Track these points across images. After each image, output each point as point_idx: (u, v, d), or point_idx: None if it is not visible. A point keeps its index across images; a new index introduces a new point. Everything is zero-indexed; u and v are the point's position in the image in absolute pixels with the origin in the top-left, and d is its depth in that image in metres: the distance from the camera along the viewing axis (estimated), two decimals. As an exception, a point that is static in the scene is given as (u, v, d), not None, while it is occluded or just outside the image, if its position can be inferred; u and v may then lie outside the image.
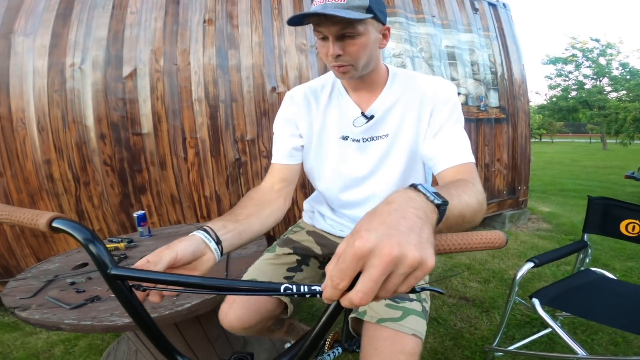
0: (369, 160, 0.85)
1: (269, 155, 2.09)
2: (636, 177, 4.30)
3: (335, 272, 0.30)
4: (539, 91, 49.42)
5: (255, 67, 1.97)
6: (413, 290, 0.33)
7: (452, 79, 2.69)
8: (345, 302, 0.31)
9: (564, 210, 3.87)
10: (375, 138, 0.83)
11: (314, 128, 0.87)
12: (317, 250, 0.99)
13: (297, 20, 0.67)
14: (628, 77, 20.94)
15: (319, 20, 0.66)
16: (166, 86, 1.82)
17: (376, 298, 0.30)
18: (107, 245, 1.28)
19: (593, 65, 21.59)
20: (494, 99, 2.94)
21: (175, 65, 1.83)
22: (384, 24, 0.72)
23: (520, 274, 1.24)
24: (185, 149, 1.91)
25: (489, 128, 2.92)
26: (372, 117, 0.81)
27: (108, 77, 1.73)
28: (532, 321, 1.62)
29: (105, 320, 0.83)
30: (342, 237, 0.98)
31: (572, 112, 23.66)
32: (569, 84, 23.56)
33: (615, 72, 21.66)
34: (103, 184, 1.80)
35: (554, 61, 23.35)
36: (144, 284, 0.43)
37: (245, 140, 2.02)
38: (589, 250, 1.41)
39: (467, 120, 2.72)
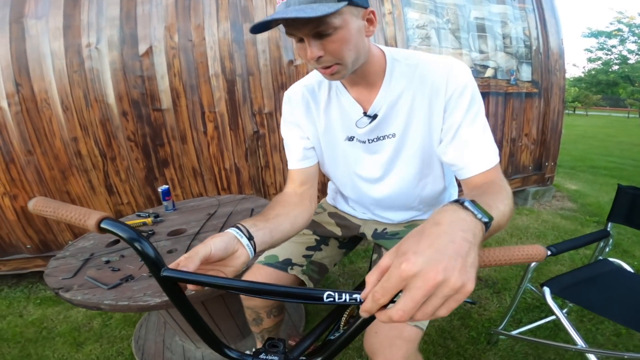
0: (380, 162, 0.81)
1: None
2: None
3: (379, 288, 0.32)
4: (576, 63, 46.02)
5: (272, 40, 1.90)
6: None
7: (481, 52, 2.51)
8: (383, 317, 0.32)
9: (592, 189, 3.69)
10: (381, 138, 0.77)
11: (318, 130, 0.82)
12: (338, 232, 1.02)
13: (262, 27, 0.56)
14: None
15: (285, 22, 0.56)
16: (182, 62, 1.81)
17: (412, 318, 0.31)
18: (136, 221, 1.39)
19: (639, 41, 20.19)
20: (526, 73, 2.75)
21: (190, 41, 1.80)
22: (365, 7, 0.61)
23: (534, 262, 1.23)
24: (205, 123, 1.94)
25: (519, 102, 2.77)
26: (375, 116, 0.74)
27: (125, 56, 1.74)
28: (542, 306, 1.62)
29: (140, 300, 0.90)
30: (363, 220, 1.00)
31: (611, 87, 22.63)
32: (610, 58, 22.63)
33: (662, 48, 20.48)
34: (128, 159, 1.88)
35: (596, 34, 22.35)
36: (190, 286, 0.45)
37: (263, 113, 2.02)
38: (610, 240, 1.36)
39: (495, 94, 2.64)
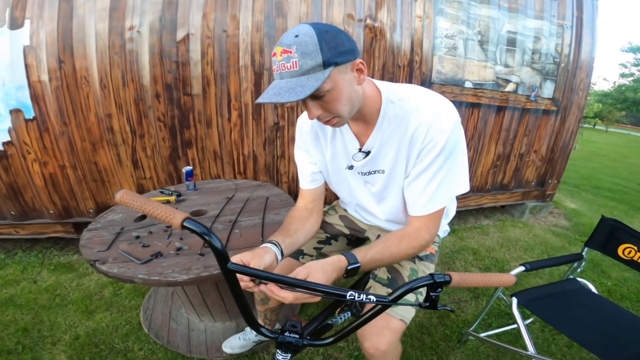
0: (372, 192, 0.95)
1: None
2: None
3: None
4: (607, 78, 43.76)
5: (301, 39, 1.98)
6: (433, 307, 0.60)
7: (506, 66, 2.51)
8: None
9: (589, 210, 3.76)
10: (373, 172, 0.89)
11: (326, 157, 0.95)
12: (346, 231, 1.19)
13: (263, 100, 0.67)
14: None
15: None
16: (216, 52, 1.89)
17: None
18: (160, 198, 1.53)
19: None
20: (548, 90, 2.73)
21: (224, 31, 1.87)
22: (353, 60, 0.68)
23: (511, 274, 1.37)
24: (230, 110, 2.04)
25: (534, 118, 2.78)
26: (368, 152, 0.85)
27: (164, 41, 1.83)
28: (511, 313, 1.79)
29: (169, 276, 1.01)
30: (368, 225, 1.15)
31: (637, 105, 21.53)
32: None
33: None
34: (156, 137, 2.01)
35: (635, 49, 21.25)
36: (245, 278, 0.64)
37: (285, 106, 2.12)
38: (583, 263, 1.51)
39: (512, 109, 2.72)
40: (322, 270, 0.67)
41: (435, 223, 0.84)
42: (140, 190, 2.12)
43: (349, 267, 0.71)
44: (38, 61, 1.74)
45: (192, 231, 0.54)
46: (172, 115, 1.98)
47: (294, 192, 2.33)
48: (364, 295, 0.58)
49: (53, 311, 1.63)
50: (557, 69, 2.69)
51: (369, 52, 2.14)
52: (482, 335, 1.53)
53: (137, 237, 1.22)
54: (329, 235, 1.19)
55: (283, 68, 0.64)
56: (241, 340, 1.42)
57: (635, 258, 1.35)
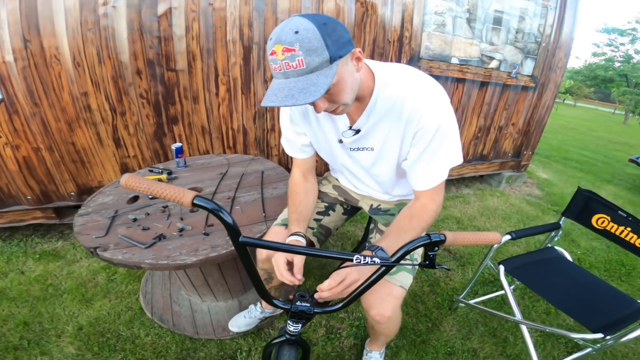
0: (361, 166, 1.00)
1: None
2: (638, 162, 4.36)
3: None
4: (579, 56, 45.58)
5: (292, 11, 1.89)
6: (431, 266, 0.63)
7: (491, 44, 2.57)
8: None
9: (559, 180, 4.03)
10: (361, 149, 0.93)
11: (315, 131, 0.98)
12: (342, 199, 1.24)
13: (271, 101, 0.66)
14: None
15: None
16: (201, 26, 1.79)
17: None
18: (150, 177, 1.49)
19: None
20: (528, 67, 2.85)
21: (210, 5, 1.76)
22: (351, 50, 0.69)
23: (496, 244, 1.45)
24: (217, 85, 1.98)
25: (514, 94, 2.92)
26: (358, 130, 0.88)
27: (143, 16, 1.69)
28: (495, 281, 1.94)
29: (178, 259, 1.00)
30: (360, 195, 1.20)
31: (606, 83, 22.87)
32: (615, 55, 22.73)
33: (672, 56, 20.59)
34: (139, 115, 1.92)
35: (609, 30, 22.03)
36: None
37: None
38: (560, 232, 1.61)
39: (494, 84, 2.82)
40: (358, 272, 0.77)
41: (440, 193, 0.90)
42: (125, 169, 2.05)
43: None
44: (0, 42, 1.58)
45: (204, 208, 0.56)
46: (156, 92, 1.89)
47: (284, 164, 2.35)
48: (369, 258, 0.61)
49: (49, 302, 1.58)
50: (538, 48, 2.79)
51: (359, 27, 2.10)
52: (471, 302, 1.66)
53: (135, 219, 1.19)
54: (327, 205, 1.22)
55: (287, 67, 0.62)
56: (246, 318, 1.45)
57: (607, 228, 1.45)
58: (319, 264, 1.94)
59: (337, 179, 1.25)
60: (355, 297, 0.71)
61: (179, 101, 1.96)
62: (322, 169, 2.39)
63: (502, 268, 1.42)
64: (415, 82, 0.81)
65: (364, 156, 0.96)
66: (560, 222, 1.59)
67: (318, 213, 1.20)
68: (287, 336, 0.82)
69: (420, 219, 0.87)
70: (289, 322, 0.79)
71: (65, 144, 1.88)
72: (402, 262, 0.64)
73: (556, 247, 1.66)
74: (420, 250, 1.04)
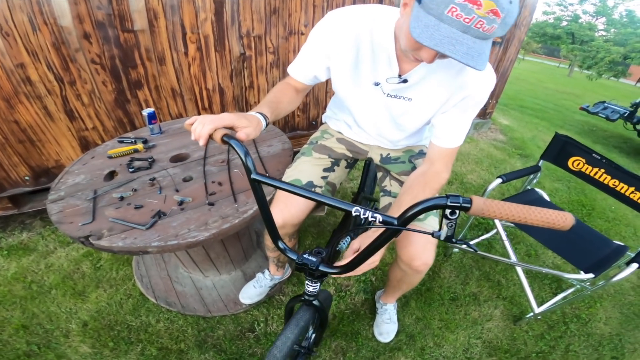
0: (390, 114, 0.96)
1: (275, 52, 2.02)
2: (589, 110, 4.77)
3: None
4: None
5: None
6: (448, 239, 0.51)
7: None
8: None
9: (519, 126, 4.32)
10: (398, 97, 0.90)
11: (349, 65, 0.88)
12: (349, 154, 1.20)
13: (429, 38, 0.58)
14: (625, 20, 21.50)
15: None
16: (162, -23, 1.50)
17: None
18: (123, 148, 1.32)
19: (599, 4, 21.97)
20: (495, 25, 2.91)
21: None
22: None
23: (490, 187, 1.49)
24: (186, 44, 1.76)
25: (482, 50, 2.98)
26: (405, 80, 0.84)
27: None
28: (479, 225, 2.08)
29: (188, 237, 0.89)
30: (368, 145, 1.17)
31: (554, 39, 24.45)
32: (564, 14, 24.29)
33: (616, 16, 22.43)
34: (92, 82, 1.65)
35: None
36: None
37: (251, 36, 1.90)
38: (539, 174, 1.71)
39: None
40: (371, 239, 0.73)
41: (452, 160, 0.92)
42: (85, 143, 1.80)
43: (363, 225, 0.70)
44: None
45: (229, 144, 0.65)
46: (112, 56, 1.63)
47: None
48: (370, 213, 0.54)
49: (39, 301, 1.42)
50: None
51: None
52: (463, 247, 1.75)
53: (122, 198, 1.04)
54: (333, 160, 1.18)
55: (477, 25, 0.55)
56: (256, 288, 1.42)
57: (582, 169, 1.55)
58: (314, 222, 1.93)
59: (339, 132, 1.20)
60: (361, 260, 0.67)
61: (142, 64, 1.72)
62: (313, 115, 2.30)
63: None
64: None
65: (398, 104, 0.91)
66: (539, 165, 1.68)
67: (325, 170, 1.15)
68: (306, 296, 0.83)
69: (432, 188, 0.86)
70: (306, 281, 0.80)
71: (6, 123, 1.58)
72: (411, 227, 0.56)
73: (536, 189, 1.77)
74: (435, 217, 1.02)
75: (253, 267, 1.59)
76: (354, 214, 0.55)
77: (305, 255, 0.72)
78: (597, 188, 1.52)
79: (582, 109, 4.88)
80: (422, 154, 1.17)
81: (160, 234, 0.91)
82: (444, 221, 0.50)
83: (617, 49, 17.25)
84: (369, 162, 1.29)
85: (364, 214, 0.54)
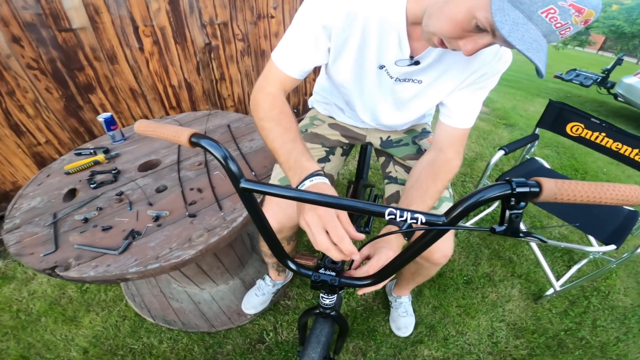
0: (396, 99, 0.84)
1: (244, 38, 1.84)
2: (563, 77, 5.00)
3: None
4: None
5: None
6: (514, 233, 0.40)
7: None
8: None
9: (498, 96, 4.35)
10: (408, 80, 0.79)
11: (350, 47, 0.74)
12: (344, 140, 1.07)
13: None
14: None
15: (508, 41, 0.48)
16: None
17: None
18: (81, 162, 1.15)
19: None
20: None
21: None
22: None
23: (493, 160, 1.42)
24: (140, 38, 1.55)
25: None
26: (417, 62, 0.74)
27: None
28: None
29: (171, 257, 0.77)
30: (365, 129, 1.05)
31: None
32: None
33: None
34: (34, 90, 1.43)
35: None
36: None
37: (215, 24, 1.71)
38: (536, 142, 1.66)
39: None
40: (388, 247, 0.63)
41: (464, 145, 0.83)
42: (41, 160, 1.58)
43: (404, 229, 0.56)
44: None
45: (200, 146, 0.48)
46: (51, 59, 1.41)
47: (242, 113, 2.08)
48: (409, 214, 0.41)
49: (31, 329, 1.33)
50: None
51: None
52: (468, 224, 1.67)
53: (86, 219, 0.90)
54: (327, 149, 1.04)
55: (562, 31, 0.48)
56: (259, 296, 1.29)
57: (582, 134, 1.50)
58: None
59: (331, 116, 1.07)
60: (392, 272, 0.54)
61: (89, 65, 1.51)
62: (295, 102, 2.15)
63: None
64: None
65: (406, 88, 0.80)
66: (537, 132, 1.62)
67: (319, 161, 1.01)
68: (321, 309, 0.73)
69: (444, 179, 0.75)
70: (321, 294, 0.70)
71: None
72: (459, 224, 0.42)
73: (536, 158, 1.72)
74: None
75: (251, 274, 1.45)
76: (387, 217, 0.42)
77: (322, 271, 0.61)
78: (599, 152, 1.47)
79: (556, 77, 5.06)
80: (425, 132, 1.06)
81: (137, 258, 0.78)
82: (507, 212, 0.40)
83: (579, 20, 18.19)
84: (365, 146, 1.16)
85: (400, 216, 0.41)
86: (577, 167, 2.54)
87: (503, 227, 0.40)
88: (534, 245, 1.39)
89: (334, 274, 0.60)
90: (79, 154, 1.20)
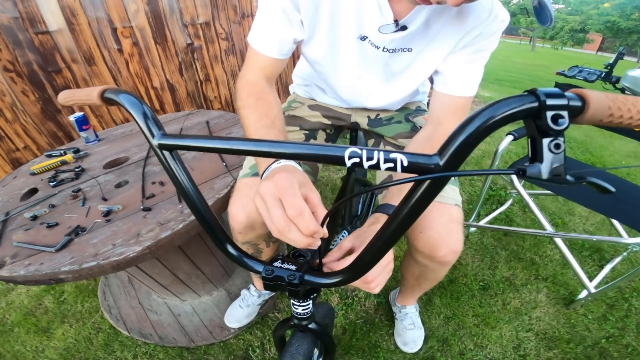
0: (387, 73, 0.75)
1: (228, 38, 1.78)
2: (566, 74, 5.07)
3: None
4: None
5: None
6: (561, 179, 0.25)
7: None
8: None
9: (500, 95, 4.28)
10: (397, 50, 0.69)
11: (321, 18, 0.66)
12: (326, 121, 0.94)
13: None
14: None
15: None
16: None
17: None
18: (48, 162, 1.05)
19: None
20: None
21: None
22: None
23: (502, 146, 1.26)
24: (118, 39, 1.51)
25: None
26: (404, 27, 0.64)
27: None
28: (490, 198, 1.82)
29: (112, 255, 0.65)
30: (348, 109, 0.93)
31: (511, 16, 26.47)
32: None
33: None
34: (11, 94, 1.38)
35: None
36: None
37: (197, 23, 1.67)
38: None
39: None
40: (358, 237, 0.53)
41: (466, 116, 0.65)
42: (19, 165, 1.52)
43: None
44: None
45: (117, 103, 0.40)
46: (27, 61, 1.37)
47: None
48: (381, 154, 0.28)
49: (3, 340, 1.25)
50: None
51: None
52: (481, 223, 1.50)
53: (34, 217, 0.81)
54: (306, 132, 0.91)
55: None
56: (243, 307, 1.14)
57: None
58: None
59: (312, 98, 0.95)
60: (371, 261, 0.38)
61: (67, 67, 1.46)
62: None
63: (514, 177, 1.24)
64: None
65: (397, 59, 0.71)
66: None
67: None
68: (295, 320, 0.56)
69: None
70: (291, 300, 0.53)
71: None
72: (467, 170, 0.28)
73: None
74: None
75: (239, 284, 1.31)
76: (348, 161, 0.28)
77: (277, 264, 0.44)
78: (620, 134, 1.33)
79: (559, 73, 5.14)
80: (420, 110, 0.93)
81: (74, 256, 0.67)
82: (544, 142, 0.25)
83: (573, 18, 18.21)
84: (355, 133, 1.03)
85: (369, 158, 0.28)
86: (594, 162, 2.36)
87: (536, 168, 0.25)
88: (560, 243, 1.20)
89: (293, 267, 0.43)
90: (49, 156, 1.13)
